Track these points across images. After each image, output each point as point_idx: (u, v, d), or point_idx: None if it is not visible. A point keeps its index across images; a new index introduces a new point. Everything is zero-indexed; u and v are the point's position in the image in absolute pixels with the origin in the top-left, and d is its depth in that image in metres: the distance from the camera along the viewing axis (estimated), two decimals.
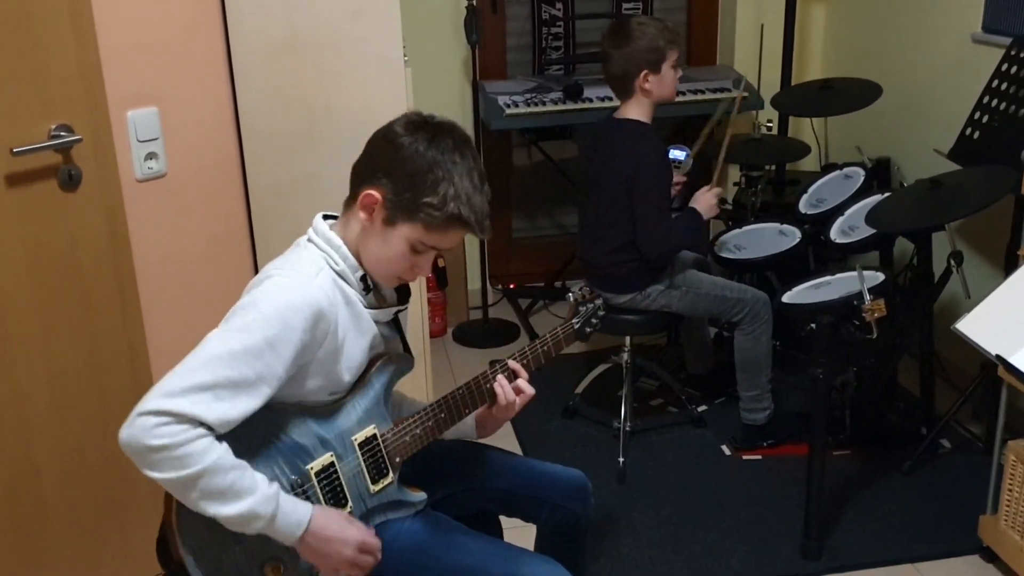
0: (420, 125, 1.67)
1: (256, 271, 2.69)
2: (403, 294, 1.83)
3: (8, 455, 2.20)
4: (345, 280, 1.68)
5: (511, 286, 4.29)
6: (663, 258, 2.94)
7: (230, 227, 2.64)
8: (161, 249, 2.48)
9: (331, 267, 1.67)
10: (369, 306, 1.72)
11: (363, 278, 1.70)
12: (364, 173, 1.69)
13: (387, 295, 1.82)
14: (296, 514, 1.57)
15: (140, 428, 1.44)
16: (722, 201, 3.21)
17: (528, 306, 4.23)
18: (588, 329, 1.94)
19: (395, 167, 1.64)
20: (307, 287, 1.59)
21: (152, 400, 1.45)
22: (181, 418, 1.44)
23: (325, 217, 1.75)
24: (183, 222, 2.52)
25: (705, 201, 2.99)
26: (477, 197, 1.65)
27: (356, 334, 1.68)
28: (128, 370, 2.41)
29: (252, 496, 1.51)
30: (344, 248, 1.68)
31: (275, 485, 1.56)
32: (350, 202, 1.71)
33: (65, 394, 2.28)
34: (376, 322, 1.73)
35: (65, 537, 2.34)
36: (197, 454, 1.46)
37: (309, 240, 1.72)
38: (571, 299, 1.95)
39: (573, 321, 1.93)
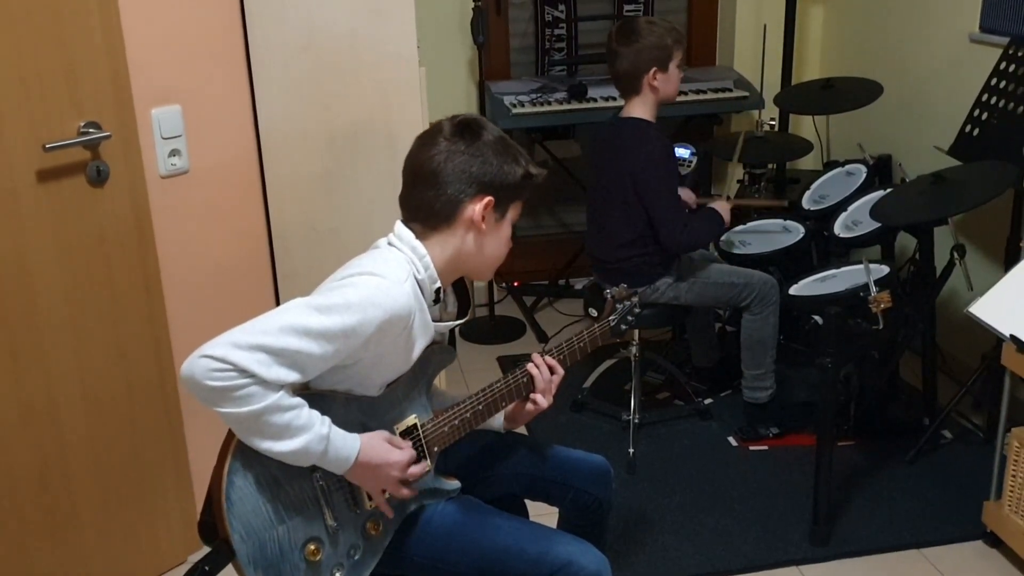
0: (466, 126, 1.76)
1: (274, 265, 2.76)
2: (463, 307, 1.92)
3: (39, 444, 2.25)
4: (421, 289, 1.74)
5: (516, 284, 4.35)
6: (685, 248, 3.01)
7: (249, 222, 2.69)
8: (184, 243, 2.53)
9: (414, 275, 1.72)
10: (434, 319, 1.79)
11: (437, 291, 1.77)
12: (455, 192, 1.74)
13: (449, 306, 1.90)
14: (345, 449, 1.64)
15: (200, 368, 1.50)
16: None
17: (533, 303, 4.28)
18: (624, 326, 2.00)
19: (488, 168, 1.74)
20: (396, 290, 1.65)
21: (218, 346, 1.51)
22: (239, 369, 1.50)
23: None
24: (204, 217, 2.57)
25: (723, 206, 3.06)
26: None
27: (422, 340, 1.75)
28: (153, 361, 2.46)
29: (306, 434, 1.58)
30: (428, 259, 1.74)
31: (327, 422, 1.62)
32: (439, 223, 1.76)
33: (93, 384, 2.33)
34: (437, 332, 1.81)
35: (92, 524, 2.39)
36: (257, 395, 1.52)
37: (390, 244, 1.76)
38: (609, 297, 1.99)
39: (610, 319, 1.98)
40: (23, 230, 2.14)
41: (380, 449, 1.69)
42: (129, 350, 2.40)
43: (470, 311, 1.92)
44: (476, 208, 1.74)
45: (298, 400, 1.59)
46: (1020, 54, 2.97)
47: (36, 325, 2.20)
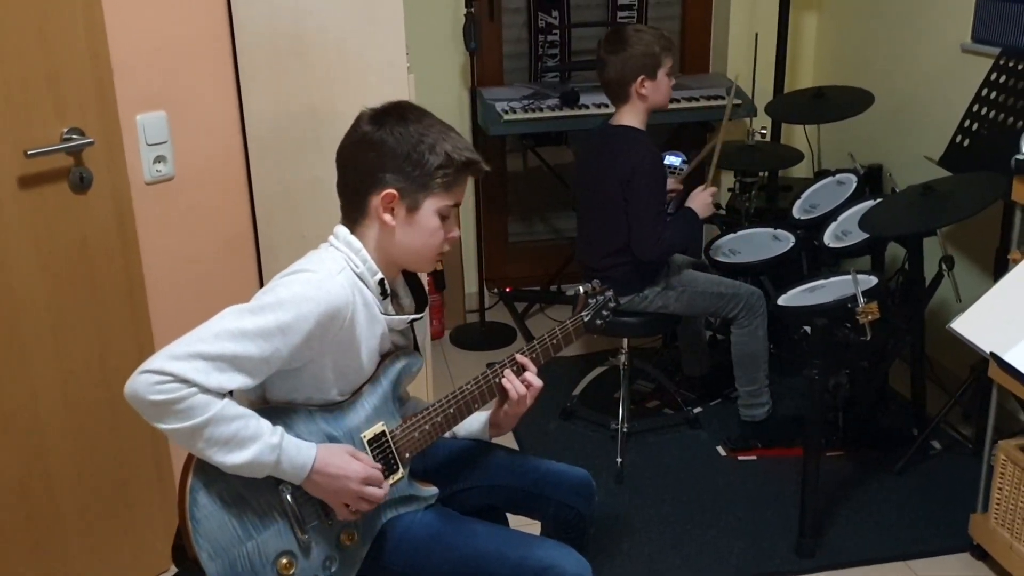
0: (381, 115, 1.73)
1: (261, 273, 2.75)
2: (420, 302, 1.89)
3: (20, 452, 2.24)
4: (364, 283, 1.72)
5: (507, 289, 4.34)
6: (657, 260, 2.99)
7: (236, 229, 2.67)
8: (168, 251, 2.52)
9: (352, 269, 1.71)
10: (386, 313, 1.77)
11: (381, 282, 1.74)
12: (361, 183, 1.73)
13: (404, 303, 1.87)
14: (300, 458, 1.62)
15: (141, 384, 1.50)
16: (716, 206, 3.27)
17: (524, 309, 4.28)
18: (599, 321, 1.97)
19: (389, 160, 1.70)
20: (327, 283, 1.64)
21: (156, 360, 1.51)
22: (179, 379, 1.50)
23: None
24: (190, 224, 2.56)
25: (701, 200, 3.04)
26: (462, 140, 1.75)
27: (369, 336, 1.73)
28: (136, 369, 2.43)
29: (255, 444, 1.57)
30: (364, 252, 1.73)
31: (278, 432, 1.60)
32: (357, 216, 1.75)
33: (75, 392, 2.32)
34: (390, 328, 1.78)
35: (74, 532, 2.38)
36: (200, 407, 1.52)
37: (330, 245, 1.76)
38: (581, 292, 1.97)
39: (583, 314, 1.96)
40: (4, 237, 2.12)
41: (338, 459, 1.66)
42: (112, 358, 2.38)
43: (427, 307, 1.89)
44: (377, 201, 1.72)
45: (244, 411, 1.58)
46: (1011, 65, 2.96)
47: (18, 332, 2.18)
